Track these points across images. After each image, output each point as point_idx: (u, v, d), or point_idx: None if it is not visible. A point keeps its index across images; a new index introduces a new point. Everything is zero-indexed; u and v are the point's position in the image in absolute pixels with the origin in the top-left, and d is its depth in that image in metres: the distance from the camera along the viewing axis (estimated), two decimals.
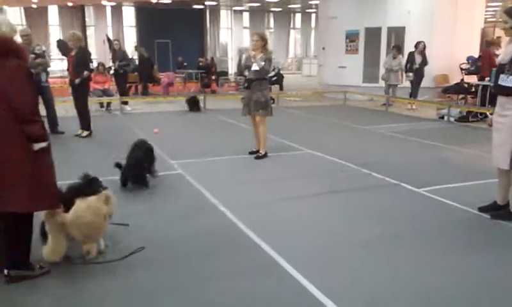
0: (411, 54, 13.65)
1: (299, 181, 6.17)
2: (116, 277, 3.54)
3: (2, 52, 3.25)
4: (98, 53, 25.68)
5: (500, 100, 4.57)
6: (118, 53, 13.90)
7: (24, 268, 3.46)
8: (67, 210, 3.71)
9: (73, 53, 8.86)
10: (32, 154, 3.31)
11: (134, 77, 16.37)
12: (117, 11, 29.24)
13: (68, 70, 9.42)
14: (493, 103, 4.79)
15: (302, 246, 4.10)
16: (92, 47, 27.08)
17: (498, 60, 4.68)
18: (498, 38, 12.91)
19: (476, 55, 15.50)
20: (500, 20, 4.63)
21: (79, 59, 8.78)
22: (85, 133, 9.15)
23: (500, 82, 4.51)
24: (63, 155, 7.61)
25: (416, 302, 3.18)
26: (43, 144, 3.36)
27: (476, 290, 3.36)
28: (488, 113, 10.55)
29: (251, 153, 7.54)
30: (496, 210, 4.75)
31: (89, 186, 4.22)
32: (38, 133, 3.34)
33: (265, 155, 7.44)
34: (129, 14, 29.88)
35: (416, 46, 13.54)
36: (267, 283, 3.44)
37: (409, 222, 4.72)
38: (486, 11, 18.43)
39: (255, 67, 7.11)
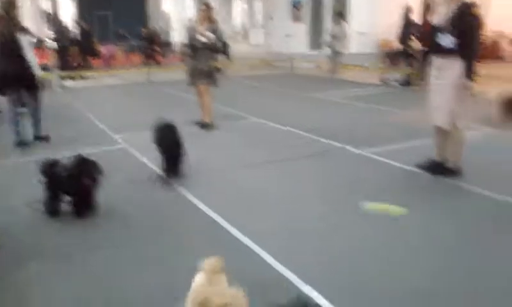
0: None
1: (247, 150, 6.16)
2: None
3: None
4: (33, 27, 24.31)
5: (437, 61, 4.68)
6: (54, 27, 13.25)
7: None
8: None
9: None
10: None
11: (74, 50, 15.68)
12: None
13: None
14: (425, 63, 4.92)
15: (256, 215, 4.10)
16: (26, 20, 25.57)
17: (433, 21, 4.77)
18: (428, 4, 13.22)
19: (418, 21, 15.86)
20: None
21: None
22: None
23: (438, 41, 4.62)
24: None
25: (368, 258, 3.27)
26: None
27: (418, 242, 3.49)
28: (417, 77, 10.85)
29: (197, 123, 7.43)
30: (434, 167, 4.94)
31: None
32: None
33: (210, 125, 7.35)
34: None
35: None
36: (217, 251, 3.41)
37: (353, 183, 4.83)
38: None
39: (203, 39, 6.96)
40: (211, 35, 6.98)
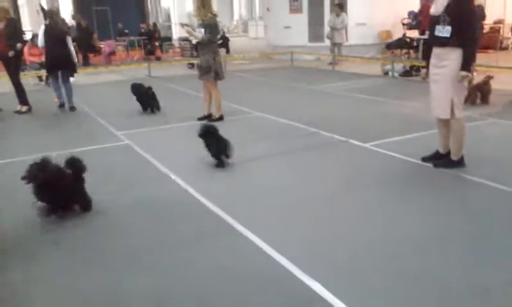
0: None
1: (250, 144, 6.17)
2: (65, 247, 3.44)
3: None
4: (32, 24, 24.26)
5: (436, 51, 4.67)
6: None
7: None
8: None
9: (2, 26, 8.34)
10: None
11: (74, 47, 15.64)
12: None
13: None
14: (426, 56, 4.90)
15: (258, 209, 4.12)
16: (25, 17, 25.55)
17: (431, 12, 4.76)
18: None
19: (416, 10, 15.84)
20: None
21: (10, 31, 8.31)
22: (24, 108, 8.75)
23: (436, 33, 4.61)
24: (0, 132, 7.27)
25: (370, 250, 3.29)
26: None
27: (424, 235, 3.51)
28: (420, 66, 10.87)
29: (200, 119, 7.44)
30: (438, 159, 4.95)
31: None
32: None
33: (220, 118, 7.38)
34: None
35: None
36: (224, 246, 3.45)
37: (357, 176, 4.84)
38: None
39: (193, 39, 7.01)
40: (198, 32, 7.01)
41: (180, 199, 4.40)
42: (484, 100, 7.93)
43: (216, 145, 5.24)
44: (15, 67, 8.60)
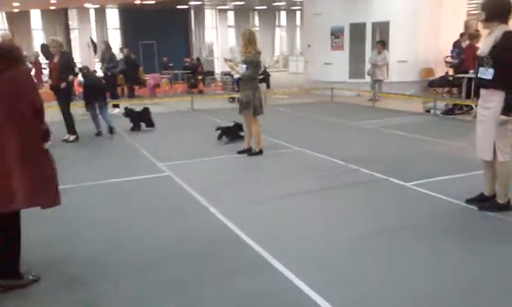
0: None
1: (289, 180, 6.19)
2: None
3: (15, 57, 3.47)
4: (83, 56, 25.45)
5: (482, 92, 4.62)
6: (106, 55, 13.82)
7: (14, 278, 3.43)
8: None
9: (55, 59, 8.84)
10: (45, 152, 3.51)
11: (121, 79, 16.26)
12: (101, 13, 28.98)
13: (50, 75, 9.42)
14: (477, 95, 4.83)
15: (294, 245, 4.11)
16: (76, 50, 26.85)
17: (478, 53, 4.73)
18: (477, 30, 13.01)
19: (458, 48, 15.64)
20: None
21: (63, 63, 8.78)
22: (72, 137, 9.10)
23: (479, 75, 4.58)
24: None
25: (410, 297, 3.21)
26: (49, 143, 3.57)
27: (468, 282, 3.40)
28: (473, 105, 10.66)
29: (240, 152, 7.54)
30: (483, 202, 4.81)
31: None
32: (47, 132, 3.54)
33: (259, 152, 7.46)
34: (113, 16, 29.64)
35: None
36: (260, 283, 3.44)
37: (399, 216, 4.76)
38: (469, 3, 18.62)
39: (235, 74, 7.22)
40: (240, 68, 7.21)
41: (218, 233, 4.44)
42: None
43: None
44: (65, 98, 9.01)
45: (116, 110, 13.29)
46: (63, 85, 8.72)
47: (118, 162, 7.43)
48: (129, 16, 28.45)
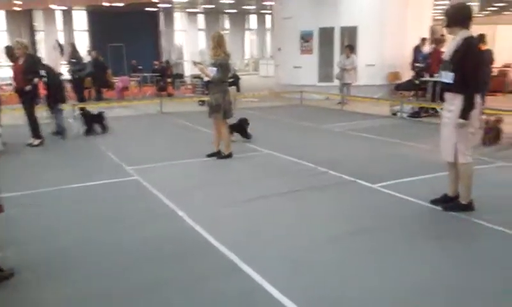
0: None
1: (258, 183, 6.19)
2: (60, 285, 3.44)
3: None
4: (49, 59, 24.84)
5: (446, 96, 4.75)
6: (72, 57, 13.55)
7: None
8: None
9: (20, 61, 8.62)
10: None
11: (88, 82, 15.96)
12: (67, 15, 28.45)
13: (14, 77, 9.16)
14: (442, 98, 4.96)
15: (262, 248, 4.11)
16: (42, 52, 26.23)
17: (443, 57, 4.87)
18: (443, 35, 13.37)
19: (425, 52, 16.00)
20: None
21: (28, 66, 8.58)
22: (36, 141, 8.87)
23: (442, 79, 4.72)
24: (13, 165, 7.36)
25: (377, 295, 3.25)
26: None
27: (434, 279, 3.47)
28: (438, 108, 10.92)
29: (209, 155, 7.51)
30: (447, 202, 4.93)
31: None
32: None
33: (228, 156, 7.45)
34: (81, 18, 29.14)
35: None
36: (228, 287, 3.42)
37: (365, 218, 4.82)
38: (434, 9, 19.11)
39: (205, 77, 7.20)
40: (210, 71, 7.17)
41: (187, 237, 4.40)
42: (494, 141, 8.06)
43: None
44: (30, 101, 8.79)
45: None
46: (28, 88, 8.51)
47: (85, 166, 7.27)
48: (97, 18, 28.01)
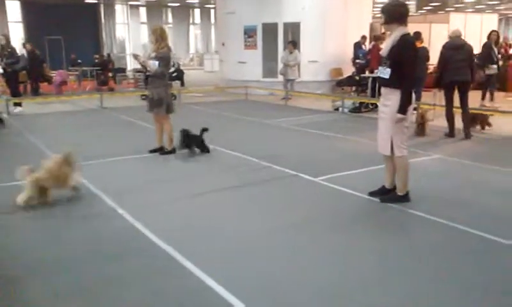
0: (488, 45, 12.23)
1: (201, 178, 6.14)
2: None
3: None
4: None
5: (382, 90, 4.90)
6: (5, 50, 12.81)
7: None
8: None
9: None
10: None
11: (23, 75, 15.19)
12: (1, 5, 26.98)
13: None
14: (379, 93, 5.12)
15: (204, 243, 4.08)
16: None
17: (380, 53, 5.01)
18: (383, 33, 13.85)
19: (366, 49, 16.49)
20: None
21: None
22: None
23: (379, 74, 4.87)
24: None
25: (315, 288, 3.31)
26: None
27: (371, 270, 3.58)
28: (377, 103, 11.30)
29: (151, 151, 7.37)
30: (384, 194, 5.10)
31: None
32: None
33: (172, 151, 7.33)
34: (14, 9, 27.72)
35: (489, 37, 12.34)
36: (171, 283, 3.37)
37: (307, 210, 4.91)
38: (375, 7, 19.72)
39: (149, 68, 7.02)
40: (152, 64, 7.00)
41: (127, 235, 4.29)
42: (421, 132, 8.72)
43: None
44: None
45: (18, 109, 12.45)
46: None
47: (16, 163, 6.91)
48: (33, 9, 26.76)
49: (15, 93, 12.88)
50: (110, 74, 19.23)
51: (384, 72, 4.74)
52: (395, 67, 4.65)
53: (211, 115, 11.98)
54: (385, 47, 4.89)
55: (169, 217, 4.75)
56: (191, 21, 36.36)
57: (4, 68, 12.67)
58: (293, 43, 14.68)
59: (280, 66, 15.05)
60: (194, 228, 4.46)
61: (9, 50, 12.82)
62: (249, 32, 16.67)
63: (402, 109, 4.64)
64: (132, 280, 3.43)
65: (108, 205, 5.02)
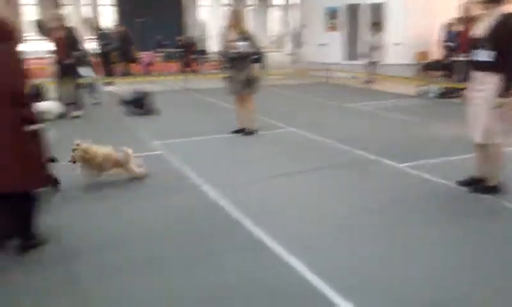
0: None
1: (282, 160, 6.21)
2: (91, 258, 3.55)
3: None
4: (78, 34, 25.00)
5: (477, 74, 4.60)
6: (97, 32, 13.66)
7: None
8: None
9: (58, 34, 8.78)
10: (25, 136, 3.34)
11: (114, 56, 16.05)
12: None
13: (56, 51, 9.09)
14: (469, 78, 4.82)
15: (287, 224, 4.14)
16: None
17: (474, 35, 4.69)
18: (473, 15, 12.99)
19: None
20: None
21: (69, 39, 8.79)
22: (78, 113, 9.15)
23: (476, 58, 4.55)
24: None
25: (402, 275, 3.26)
26: (35, 127, 3.42)
27: (458, 260, 3.46)
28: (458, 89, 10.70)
29: (234, 132, 7.54)
30: (474, 184, 4.85)
31: None
32: (31, 115, 3.40)
33: (253, 132, 7.47)
34: None
35: None
36: (253, 262, 3.47)
37: (389, 197, 4.79)
38: None
39: (234, 50, 7.12)
40: (241, 45, 7.09)
41: (210, 212, 4.46)
42: None
43: None
44: (72, 74, 9.07)
45: (112, 87, 13.21)
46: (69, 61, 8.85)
47: (110, 139, 7.38)
48: None
49: (108, 73, 13.69)
50: (193, 56, 19.70)
51: (484, 55, 4.44)
52: (497, 49, 4.35)
53: (291, 98, 12.00)
54: (483, 28, 4.58)
55: (252, 197, 4.85)
56: (272, 2, 36.26)
57: (99, 49, 13.51)
58: (377, 25, 14.23)
59: (362, 48, 14.66)
60: (279, 209, 4.52)
61: (100, 31, 13.63)
62: (331, 14, 16.37)
63: (506, 93, 4.36)
64: (212, 254, 3.57)
65: (192, 182, 5.23)
